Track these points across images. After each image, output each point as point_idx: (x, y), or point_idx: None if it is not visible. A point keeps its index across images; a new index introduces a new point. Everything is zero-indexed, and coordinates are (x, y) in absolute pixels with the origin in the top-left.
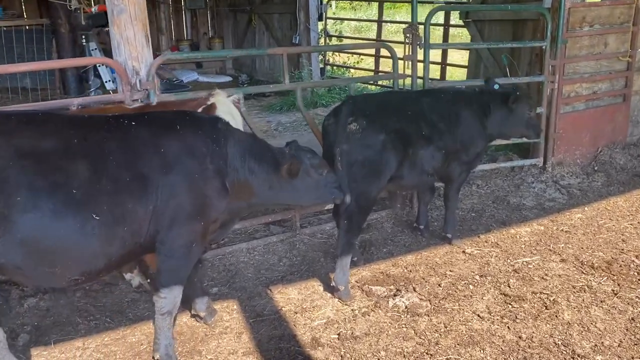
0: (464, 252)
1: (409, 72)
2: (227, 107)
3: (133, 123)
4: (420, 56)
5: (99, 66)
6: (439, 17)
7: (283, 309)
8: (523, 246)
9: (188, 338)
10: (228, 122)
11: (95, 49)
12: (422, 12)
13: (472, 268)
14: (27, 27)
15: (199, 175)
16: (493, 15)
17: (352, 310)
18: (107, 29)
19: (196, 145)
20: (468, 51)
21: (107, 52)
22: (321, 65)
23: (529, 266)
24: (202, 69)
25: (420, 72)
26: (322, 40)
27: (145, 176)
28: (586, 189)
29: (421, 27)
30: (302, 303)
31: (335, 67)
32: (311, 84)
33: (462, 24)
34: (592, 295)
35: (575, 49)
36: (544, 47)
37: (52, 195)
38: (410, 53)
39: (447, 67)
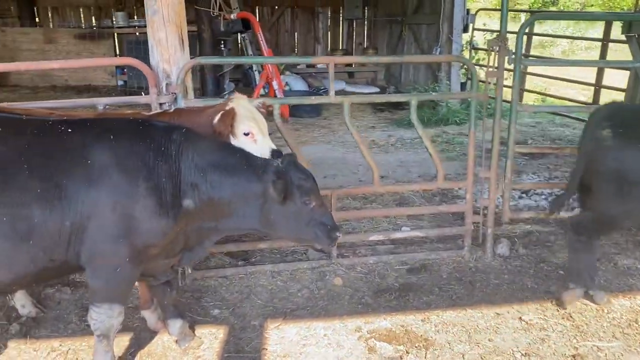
0: (520, 318)
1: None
2: (248, 112)
3: (69, 130)
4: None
5: (252, 70)
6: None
7: (267, 349)
8: (606, 325)
9: (146, 353)
10: (188, 131)
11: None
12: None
13: (518, 342)
14: None
15: (125, 193)
16: None
17: None
18: (243, 35)
19: (129, 158)
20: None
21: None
22: (462, 80)
23: (599, 353)
24: (353, 78)
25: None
26: (466, 53)
27: (63, 189)
28: None
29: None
30: (291, 347)
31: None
32: (359, 99)
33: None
34: None
35: None
36: None
37: None
38: (497, 69)
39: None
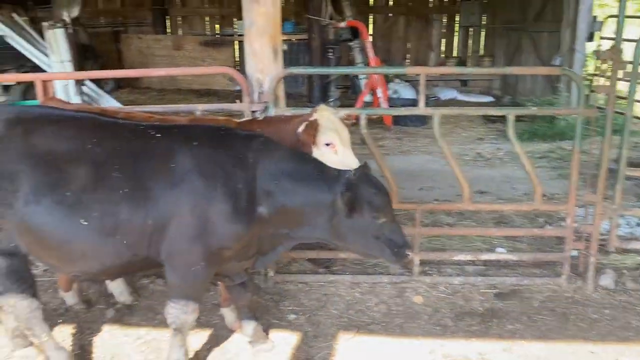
0: None
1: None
2: (331, 123)
3: (158, 134)
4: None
5: (357, 78)
6: None
7: None
8: None
9: (221, 350)
10: (266, 140)
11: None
12: None
13: None
14: (294, 41)
15: (204, 197)
16: None
17: None
18: (351, 43)
19: (209, 164)
20: None
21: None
22: (587, 92)
23: None
24: (466, 87)
25: None
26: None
27: (149, 190)
28: None
29: None
30: None
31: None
32: (449, 111)
33: None
34: None
35: None
36: None
37: (47, 194)
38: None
39: None
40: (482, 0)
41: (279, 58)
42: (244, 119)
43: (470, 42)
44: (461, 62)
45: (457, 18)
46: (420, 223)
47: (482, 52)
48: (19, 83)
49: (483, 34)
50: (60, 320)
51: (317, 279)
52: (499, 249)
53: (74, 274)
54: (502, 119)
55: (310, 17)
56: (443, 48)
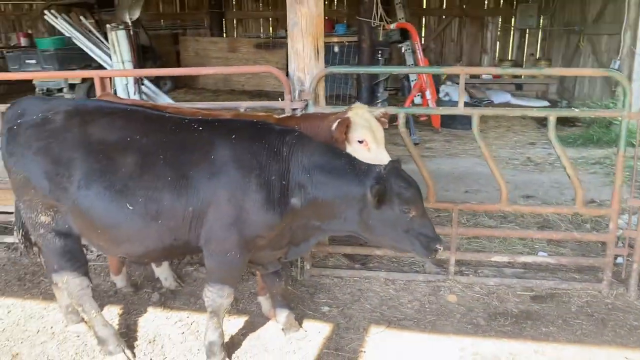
0: None
1: None
2: (365, 121)
3: (200, 128)
4: None
5: (406, 80)
6: None
7: (365, 352)
8: None
9: (256, 336)
10: (300, 135)
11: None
12: None
13: None
14: (345, 42)
15: (239, 187)
16: None
17: None
18: (401, 45)
19: (245, 156)
20: None
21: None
22: None
23: None
24: (521, 90)
25: None
26: None
27: (190, 179)
28: None
29: None
30: (389, 353)
31: None
32: (488, 111)
33: None
34: None
35: None
36: None
37: (97, 180)
38: None
39: None
40: (540, 1)
41: (321, 58)
42: (282, 116)
43: (526, 44)
44: (516, 65)
45: (513, 20)
46: (462, 225)
47: (538, 55)
48: (83, 82)
49: (540, 36)
50: (110, 301)
51: (352, 274)
52: (541, 253)
53: (120, 255)
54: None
55: (361, 19)
56: (497, 51)
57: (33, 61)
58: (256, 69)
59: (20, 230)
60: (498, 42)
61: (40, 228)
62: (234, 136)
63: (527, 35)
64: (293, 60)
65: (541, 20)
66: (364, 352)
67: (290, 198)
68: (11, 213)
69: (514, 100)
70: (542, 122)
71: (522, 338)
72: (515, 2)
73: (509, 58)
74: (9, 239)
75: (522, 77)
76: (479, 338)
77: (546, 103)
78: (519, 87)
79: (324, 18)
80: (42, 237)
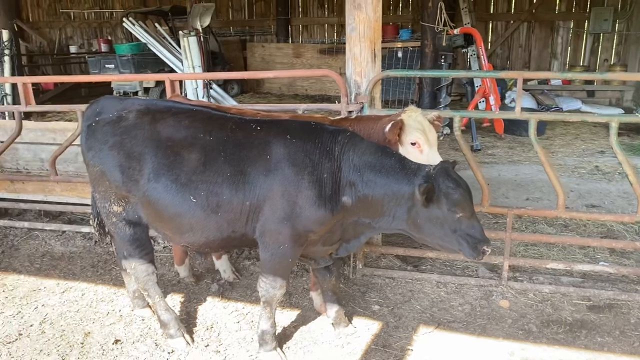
0: None
1: None
2: (418, 123)
3: (258, 127)
4: None
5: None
6: None
7: (412, 350)
8: None
9: (307, 329)
10: (352, 134)
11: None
12: None
13: None
14: (409, 48)
15: (293, 183)
16: None
17: None
18: (464, 50)
19: (298, 154)
20: None
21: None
22: None
23: None
24: (593, 97)
25: None
26: None
27: (248, 175)
28: None
29: None
30: (437, 353)
31: None
32: (546, 116)
33: None
34: None
35: None
36: None
37: (165, 173)
38: None
39: None
40: (616, 4)
41: (378, 62)
42: (338, 117)
43: (599, 50)
44: (589, 71)
45: (586, 24)
46: (518, 231)
47: (612, 60)
48: (156, 85)
49: (615, 41)
50: (173, 290)
51: (404, 275)
52: (602, 263)
53: (183, 244)
54: (629, 131)
55: (424, 24)
56: (568, 57)
57: (112, 65)
58: (315, 72)
59: (96, 219)
60: (569, 48)
61: (113, 217)
62: (288, 135)
63: (601, 39)
64: (350, 63)
65: (617, 24)
66: (412, 350)
67: (342, 196)
68: (88, 205)
69: (584, 108)
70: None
71: (575, 347)
72: (588, 6)
73: (581, 64)
74: (85, 229)
75: (595, 83)
76: (529, 344)
77: (620, 111)
78: (590, 94)
79: (389, 23)
80: (114, 225)
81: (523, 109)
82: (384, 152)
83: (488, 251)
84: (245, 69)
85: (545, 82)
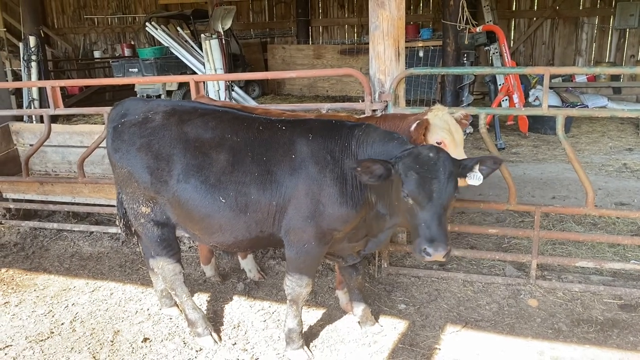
0: None
1: None
2: (444, 122)
3: (283, 127)
4: None
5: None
6: None
7: (439, 349)
8: None
9: (333, 327)
10: (367, 127)
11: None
12: None
13: None
14: (430, 47)
15: (316, 182)
16: None
17: None
18: (487, 47)
19: (320, 152)
20: None
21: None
22: None
23: None
24: (619, 94)
25: None
26: None
27: (274, 175)
28: None
29: None
30: (464, 353)
31: None
32: (574, 112)
33: None
34: None
35: None
36: None
37: (195, 174)
38: None
39: None
40: None
41: (401, 60)
42: (363, 116)
43: (625, 46)
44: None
45: (611, 20)
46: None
47: (639, 56)
48: (179, 88)
49: None
50: (199, 289)
51: (431, 274)
52: (634, 262)
53: (212, 244)
54: None
55: (446, 22)
56: (593, 53)
57: (135, 69)
58: (337, 71)
59: (122, 220)
60: (594, 44)
61: (141, 218)
62: (311, 134)
63: (627, 35)
64: (374, 62)
65: None
66: (439, 349)
67: (365, 190)
68: (114, 206)
69: (610, 105)
70: None
71: (607, 346)
72: (614, 1)
73: (607, 60)
74: (112, 230)
75: (621, 79)
76: (559, 343)
77: None
78: (617, 91)
79: (410, 23)
80: (142, 226)
81: (549, 106)
82: (389, 136)
83: (431, 254)
84: (266, 71)
85: (569, 79)
